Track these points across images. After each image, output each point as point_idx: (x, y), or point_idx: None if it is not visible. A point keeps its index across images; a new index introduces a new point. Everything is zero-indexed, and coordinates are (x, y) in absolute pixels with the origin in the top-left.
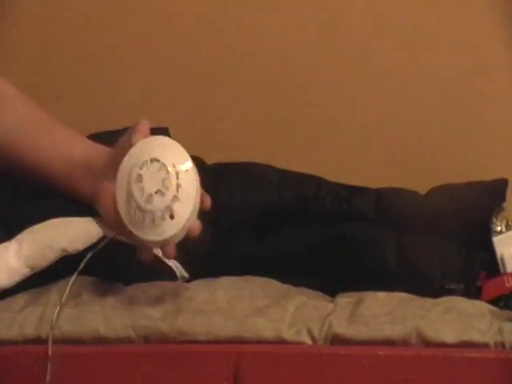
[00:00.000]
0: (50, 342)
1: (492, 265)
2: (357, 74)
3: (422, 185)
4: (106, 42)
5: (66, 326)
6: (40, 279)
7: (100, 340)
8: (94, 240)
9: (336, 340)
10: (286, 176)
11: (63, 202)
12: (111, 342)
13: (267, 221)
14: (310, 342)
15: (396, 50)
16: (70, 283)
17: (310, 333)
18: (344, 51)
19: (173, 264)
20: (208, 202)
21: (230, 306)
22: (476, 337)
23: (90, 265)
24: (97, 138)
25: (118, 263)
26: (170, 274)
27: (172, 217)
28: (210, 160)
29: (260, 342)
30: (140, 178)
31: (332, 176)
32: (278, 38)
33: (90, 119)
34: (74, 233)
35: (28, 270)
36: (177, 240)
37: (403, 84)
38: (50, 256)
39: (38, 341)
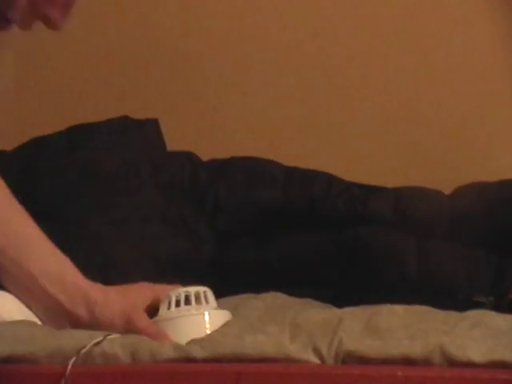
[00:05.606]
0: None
1: None
2: (373, 68)
3: (446, 183)
4: (98, 31)
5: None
6: None
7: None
8: None
9: (348, 358)
10: (292, 173)
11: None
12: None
13: (270, 224)
14: (317, 360)
15: (415, 52)
16: None
17: (317, 350)
18: (363, 48)
19: None
20: None
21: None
22: (508, 356)
23: None
24: (84, 129)
25: None
26: None
27: None
28: (205, 156)
29: (261, 360)
30: None
31: (344, 173)
32: (279, 24)
33: (82, 108)
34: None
35: None
36: None
37: (425, 79)
38: None
39: None
